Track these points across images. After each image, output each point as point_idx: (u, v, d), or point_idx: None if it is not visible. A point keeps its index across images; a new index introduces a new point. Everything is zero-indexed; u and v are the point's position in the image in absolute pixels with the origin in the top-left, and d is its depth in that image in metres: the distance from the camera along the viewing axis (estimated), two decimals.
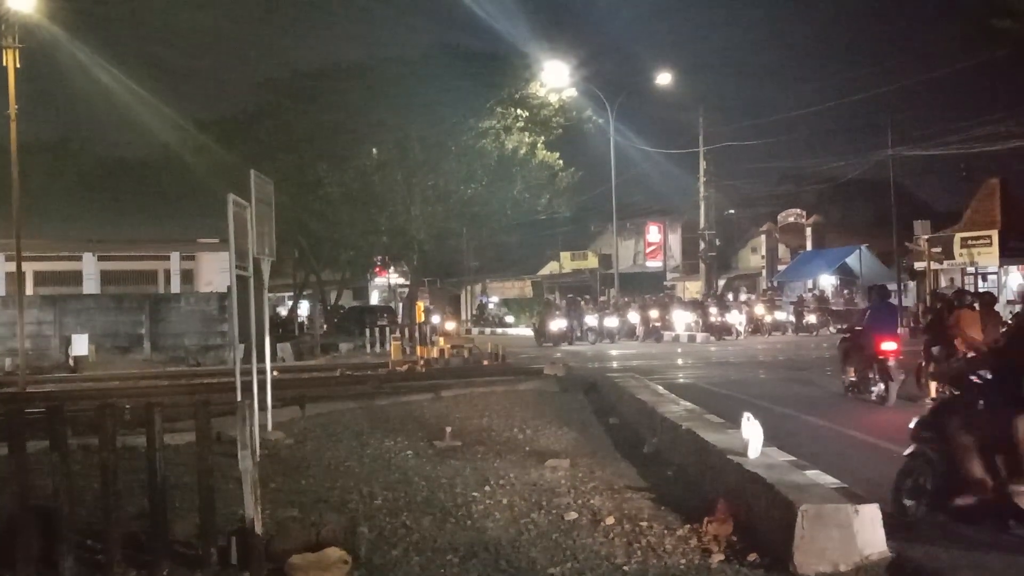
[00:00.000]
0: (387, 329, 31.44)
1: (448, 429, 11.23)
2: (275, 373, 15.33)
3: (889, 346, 13.11)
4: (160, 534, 6.21)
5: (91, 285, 32.83)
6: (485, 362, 22.92)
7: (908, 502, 6.75)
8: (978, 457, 6.23)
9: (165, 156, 39.20)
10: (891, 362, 13.09)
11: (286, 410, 13.18)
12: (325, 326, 38.59)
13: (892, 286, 36.77)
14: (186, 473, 7.94)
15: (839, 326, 28.25)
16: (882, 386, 13.53)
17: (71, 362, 25.06)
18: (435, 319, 25.68)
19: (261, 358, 10.96)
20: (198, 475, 6.41)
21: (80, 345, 25.22)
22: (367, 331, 32.13)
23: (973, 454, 6.25)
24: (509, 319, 45.56)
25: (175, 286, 33.95)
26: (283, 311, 50.92)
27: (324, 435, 11.66)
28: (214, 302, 29.18)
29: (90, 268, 33.19)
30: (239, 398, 8.57)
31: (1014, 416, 6.11)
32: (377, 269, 54.17)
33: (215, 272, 33.02)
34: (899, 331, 14.78)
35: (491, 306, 52.23)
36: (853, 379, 14.43)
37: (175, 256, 33.98)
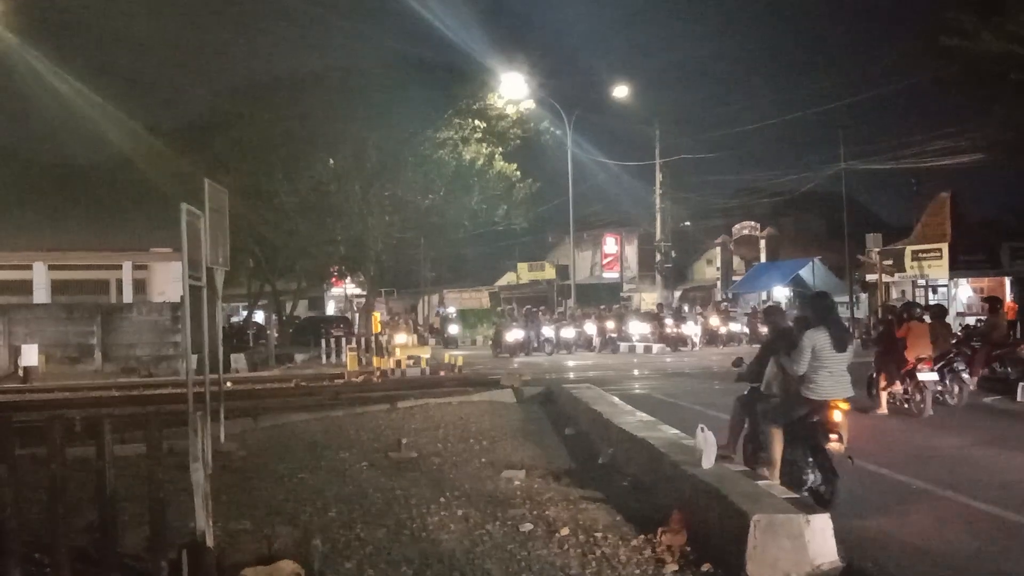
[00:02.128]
0: (343, 340, 31.27)
1: (403, 440, 11.19)
2: (228, 384, 15.21)
3: None
4: (109, 547, 6.11)
5: (41, 294, 32.24)
6: (442, 373, 22.89)
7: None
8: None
9: (119, 164, 38.66)
10: None
11: (239, 421, 13.03)
12: (279, 337, 38.27)
13: (844, 298, 37.36)
14: (137, 485, 7.82)
15: None
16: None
17: (20, 372, 24.60)
18: (400, 338, 25.44)
19: (214, 369, 10.85)
20: (149, 487, 6.32)
21: (30, 355, 24.76)
22: (323, 342, 31.93)
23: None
24: (453, 329, 40.75)
25: (127, 296, 33.44)
26: (238, 321, 50.43)
27: (278, 447, 11.56)
28: (167, 312, 28.80)
29: (40, 277, 32.58)
30: (191, 409, 8.48)
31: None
32: (333, 279, 53.88)
33: (168, 282, 32.55)
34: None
35: (448, 316, 52.14)
36: None
37: (127, 265, 33.47)
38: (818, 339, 7.87)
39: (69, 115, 36.78)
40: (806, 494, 7.53)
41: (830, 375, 7.89)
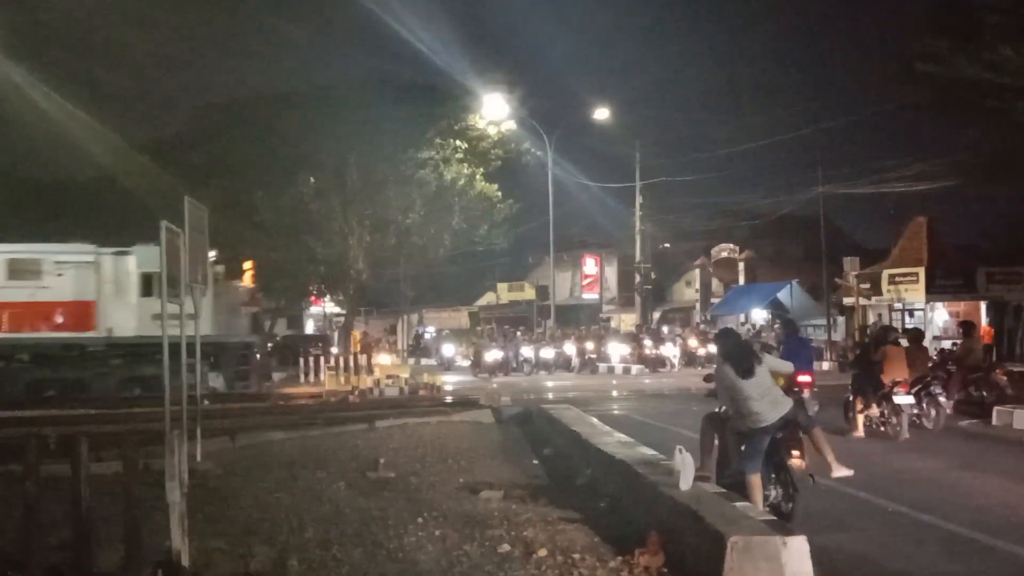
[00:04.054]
0: (321, 358, 31.12)
1: (381, 460, 11.15)
2: (205, 403, 15.09)
3: (804, 379, 13.33)
4: (84, 566, 6.07)
5: None
6: (421, 392, 22.82)
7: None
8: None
9: (97, 179, 38.46)
10: (805, 394, 13.30)
11: (216, 440, 12.94)
12: (259, 355, 38.03)
13: (822, 321, 37.57)
14: (112, 503, 7.76)
15: None
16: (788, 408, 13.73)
17: None
18: (383, 358, 25.36)
19: (192, 387, 10.79)
20: (124, 506, 6.28)
21: None
22: (301, 360, 31.75)
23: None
24: (448, 351, 40.11)
25: None
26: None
27: (255, 466, 11.50)
28: None
29: None
30: (168, 428, 8.43)
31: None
32: (312, 298, 53.66)
33: None
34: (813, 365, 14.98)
35: (427, 336, 51.98)
36: None
37: None
38: (725, 374, 8.11)
39: (50, 130, 36.54)
40: (767, 510, 7.57)
41: (760, 400, 7.95)
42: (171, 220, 10.12)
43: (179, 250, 10.20)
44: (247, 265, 30.04)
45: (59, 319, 22.01)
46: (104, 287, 22.31)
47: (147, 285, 21.52)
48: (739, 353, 8.26)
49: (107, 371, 22.02)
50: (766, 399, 7.96)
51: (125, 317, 22.03)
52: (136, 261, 22.24)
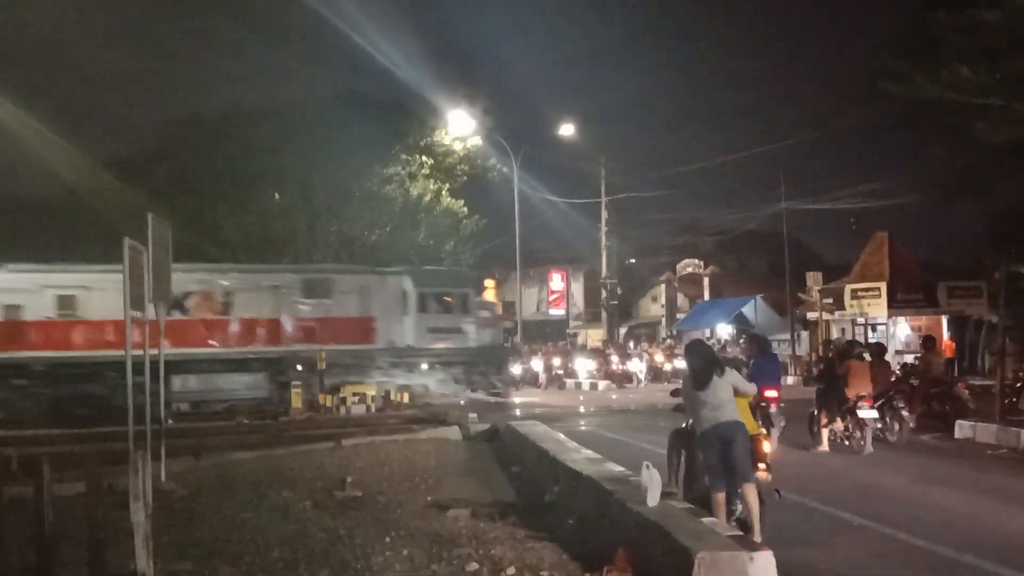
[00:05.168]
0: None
1: (348, 479, 11.09)
2: (170, 422, 14.96)
3: (771, 393, 13.43)
4: None
5: None
6: (388, 410, 22.70)
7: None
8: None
9: (62, 196, 38.01)
10: (772, 408, 13.40)
11: (180, 460, 12.81)
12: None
13: (786, 335, 37.86)
14: (76, 525, 7.65)
15: None
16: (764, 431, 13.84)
17: None
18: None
19: (155, 406, 10.69)
20: (88, 527, 6.20)
21: None
22: None
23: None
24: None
25: None
26: None
27: (220, 486, 11.38)
28: None
29: None
30: (132, 447, 8.34)
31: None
32: None
33: None
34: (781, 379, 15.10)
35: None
36: None
37: None
38: (684, 383, 8.48)
39: (10, 146, 36.11)
40: (733, 524, 7.61)
41: (710, 410, 8.04)
42: (135, 237, 10.06)
43: (143, 267, 10.14)
44: (489, 283, 30.78)
45: (346, 332, 24.57)
46: (383, 304, 25.05)
47: (422, 302, 25.03)
48: (699, 364, 8.34)
49: (387, 379, 24.82)
50: (717, 410, 8.03)
51: (402, 331, 25.07)
52: (410, 281, 25.30)
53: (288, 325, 24.24)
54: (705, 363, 8.31)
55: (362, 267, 27.35)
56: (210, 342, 23.58)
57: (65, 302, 22.31)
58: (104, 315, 21.45)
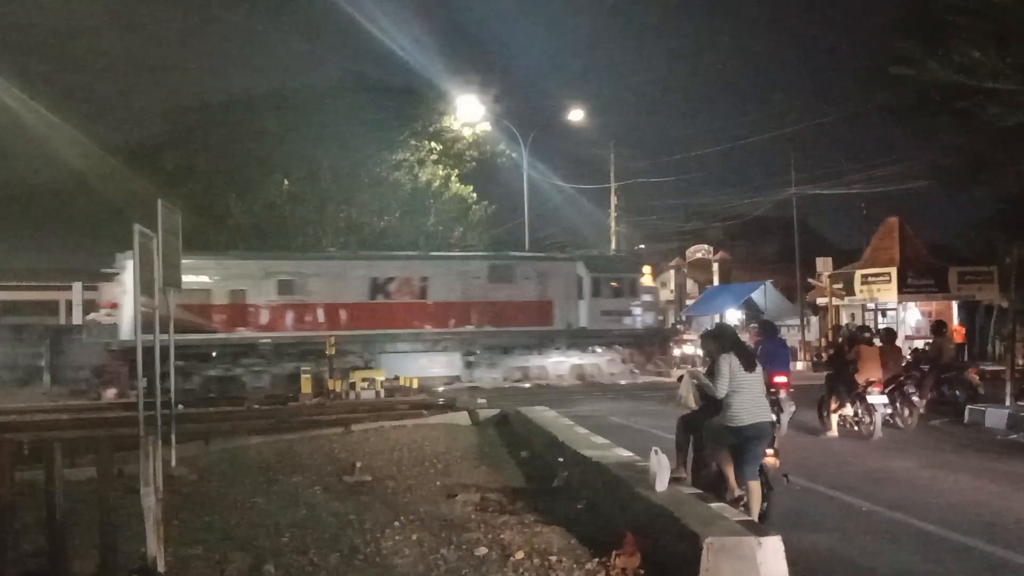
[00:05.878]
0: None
1: (358, 464, 11.11)
2: (180, 407, 15.01)
3: (780, 379, 13.41)
4: (59, 573, 6.02)
5: None
6: (397, 395, 22.76)
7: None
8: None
9: (71, 184, 38.08)
10: (782, 394, 13.39)
11: (191, 445, 12.87)
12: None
13: (795, 321, 37.75)
14: (87, 510, 7.70)
15: None
16: (774, 417, 13.83)
17: None
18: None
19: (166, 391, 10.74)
20: (99, 512, 6.23)
21: None
22: None
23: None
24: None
25: (77, 317, 32.92)
26: None
27: (230, 471, 11.43)
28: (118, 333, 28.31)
29: None
30: (142, 432, 8.37)
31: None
32: None
33: None
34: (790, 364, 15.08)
35: None
36: None
37: (77, 286, 32.96)
38: (732, 361, 8.06)
39: (22, 135, 36.23)
40: (741, 509, 7.61)
41: (748, 399, 7.96)
42: (144, 223, 10.08)
43: (153, 253, 10.16)
44: (647, 269, 33.43)
45: (527, 315, 27.15)
46: (560, 289, 27.55)
47: (595, 287, 27.57)
48: (745, 349, 8.31)
49: (563, 359, 27.83)
50: (757, 400, 7.99)
51: (577, 313, 27.56)
52: (584, 267, 27.88)
53: (476, 308, 26.71)
54: (748, 351, 8.34)
55: (541, 254, 30.62)
56: (412, 323, 26.16)
57: (284, 287, 24.71)
58: (319, 299, 24.72)
